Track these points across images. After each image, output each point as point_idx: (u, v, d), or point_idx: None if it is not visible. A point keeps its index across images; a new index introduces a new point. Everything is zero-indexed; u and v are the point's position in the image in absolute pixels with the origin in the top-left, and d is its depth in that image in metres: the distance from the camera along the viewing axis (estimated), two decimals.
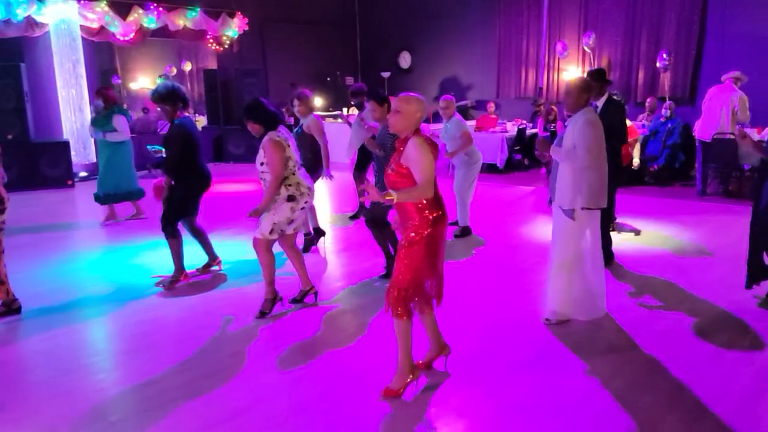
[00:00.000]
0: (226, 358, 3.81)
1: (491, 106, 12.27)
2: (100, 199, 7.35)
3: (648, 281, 5.07)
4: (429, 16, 14.50)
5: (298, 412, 3.15)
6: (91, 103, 10.55)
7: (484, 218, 7.33)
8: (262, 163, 4.29)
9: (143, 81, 15.68)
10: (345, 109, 12.11)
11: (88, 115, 10.56)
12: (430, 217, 3.14)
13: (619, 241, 6.01)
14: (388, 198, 2.99)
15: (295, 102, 5.90)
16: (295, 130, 5.89)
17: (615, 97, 5.66)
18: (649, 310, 4.45)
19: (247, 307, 4.59)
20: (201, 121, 13.71)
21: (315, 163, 5.81)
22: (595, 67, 11.76)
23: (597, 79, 5.21)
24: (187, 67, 13.94)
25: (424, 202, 3.12)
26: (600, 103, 5.34)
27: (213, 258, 5.50)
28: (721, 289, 4.77)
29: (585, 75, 5.48)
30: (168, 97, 4.88)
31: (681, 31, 10.85)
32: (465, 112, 12.85)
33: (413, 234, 3.15)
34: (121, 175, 7.27)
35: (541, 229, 6.72)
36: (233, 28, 12.84)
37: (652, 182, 9.67)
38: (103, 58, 14.40)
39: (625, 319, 4.27)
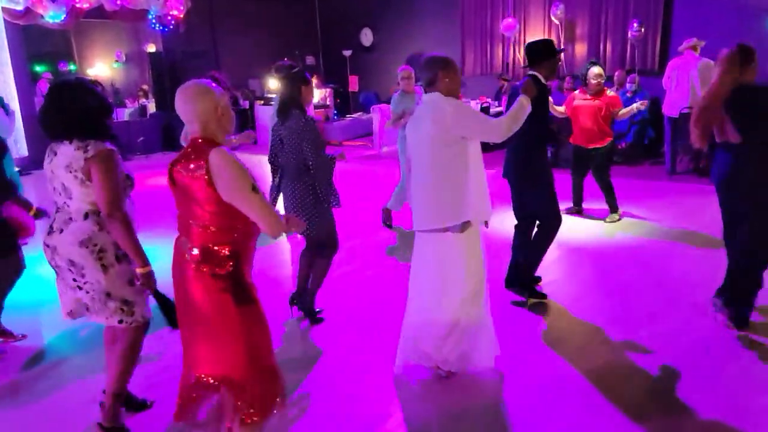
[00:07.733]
0: None
1: None
2: None
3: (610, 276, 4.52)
4: None
5: None
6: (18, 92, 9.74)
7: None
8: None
9: (100, 66, 14.82)
10: None
11: (15, 104, 9.74)
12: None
13: (582, 229, 5.44)
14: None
15: None
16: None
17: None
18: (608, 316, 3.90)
19: None
20: (150, 108, 12.96)
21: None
22: (558, 39, 11.14)
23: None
24: (151, 48, 13.07)
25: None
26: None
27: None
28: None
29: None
30: None
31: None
32: None
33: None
34: None
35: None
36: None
37: (621, 161, 9.10)
38: (56, 43, 13.60)
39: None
